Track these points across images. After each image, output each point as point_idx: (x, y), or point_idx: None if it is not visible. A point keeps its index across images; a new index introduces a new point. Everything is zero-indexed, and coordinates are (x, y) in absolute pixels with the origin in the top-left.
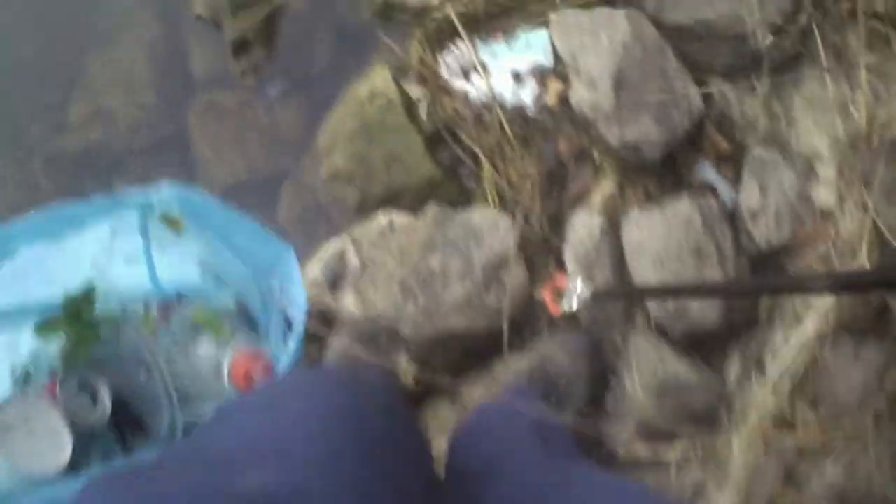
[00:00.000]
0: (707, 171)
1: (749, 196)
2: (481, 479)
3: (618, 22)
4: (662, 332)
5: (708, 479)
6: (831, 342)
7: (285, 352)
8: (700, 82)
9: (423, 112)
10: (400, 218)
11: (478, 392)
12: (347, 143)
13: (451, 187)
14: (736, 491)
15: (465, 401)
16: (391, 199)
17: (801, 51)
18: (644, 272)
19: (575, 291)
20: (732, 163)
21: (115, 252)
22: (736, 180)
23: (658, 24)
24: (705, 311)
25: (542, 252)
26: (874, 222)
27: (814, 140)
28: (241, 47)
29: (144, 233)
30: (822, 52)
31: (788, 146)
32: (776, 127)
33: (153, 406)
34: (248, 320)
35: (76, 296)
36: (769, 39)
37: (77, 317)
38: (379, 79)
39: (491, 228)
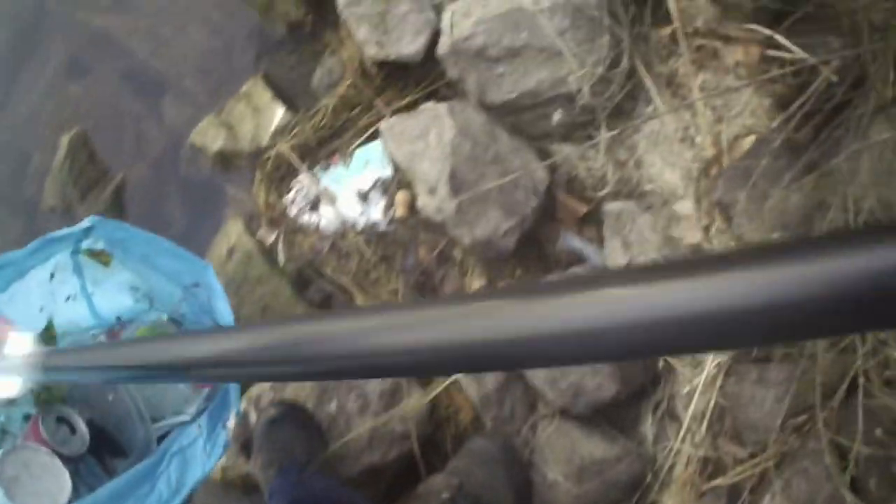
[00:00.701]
0: (569, 241)
1: (613, 253)
2: None
3: (443, 119)
4: (567, 414)
5: None
6: (735, 375)
7: None
8: (541, 151)
9: (281, 256)
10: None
11: None
12: None
13: None
14: None
15: None
16: None
17: (632, 91)
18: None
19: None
20: (595, 223)
21: (56, 294)
22: (601, 240)
23: (484, 106)
24: (603, 385)
25: None
26: (743, 244)
27: (666, 177)
28: None
29: (78, 271)
30: (652, 87)
31: (643, 190)
32: (626, 174)
33: (125, 425)
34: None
35: (38, 336)
36: (596, 90)
37: None
38: (233, 233)
39: None
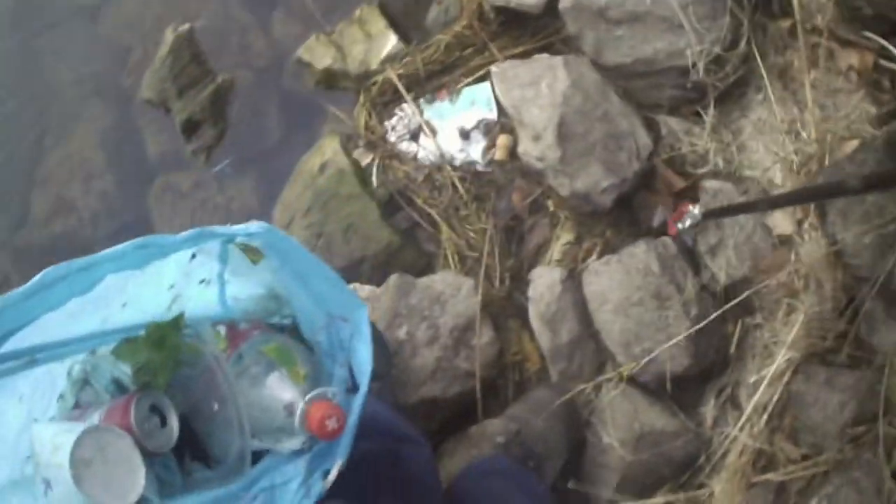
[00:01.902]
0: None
1: (705, 232)
2: None
3: (557, 70)
4: (633, 381)
5: None
6: (803, 373)
7: (351, 410)
8: (646, 120)
9: (374, 179)
10: (364, 290)
11: (456, 461)
12: (304, 216)
13: (411, 252)
14: None
15: (447, 468)
16: (353, 270)
17: (745, 76)
18: (607, 321)
19: (691, 215)
20: (689, 200)
21: (192, 274)
22: None
23: (598, 66)
24: (675, 356)
25: (506, 309)
26: (833, 243)
27: (766, 165)
28: (190, 128)
29: (223, 258)
30: (765, 75)
31: (741, 174)
32: (727, 156)
33: (221, 435)
34: (312, 362)
35: (164, 323)
36: (710, 69)
37: (161, 343)
38: (329, 149)
39: (453, 292)
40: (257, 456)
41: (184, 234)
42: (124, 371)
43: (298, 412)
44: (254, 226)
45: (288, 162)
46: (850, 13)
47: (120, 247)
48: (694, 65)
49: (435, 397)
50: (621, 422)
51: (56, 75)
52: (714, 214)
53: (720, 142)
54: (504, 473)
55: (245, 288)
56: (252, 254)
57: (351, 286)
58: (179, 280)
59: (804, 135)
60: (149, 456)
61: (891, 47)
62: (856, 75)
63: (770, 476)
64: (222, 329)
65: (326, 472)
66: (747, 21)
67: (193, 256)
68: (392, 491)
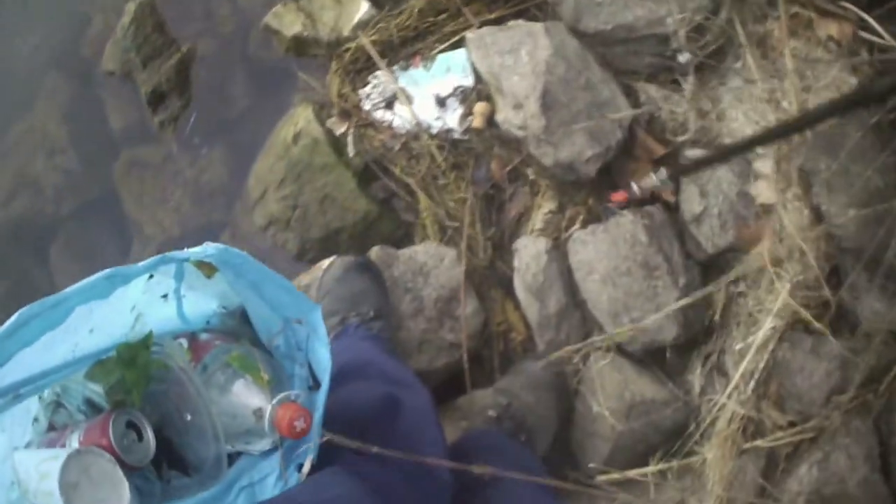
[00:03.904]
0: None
1: (689, 200)
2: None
3: (537, 37)
4: (621, 350)
5: (686, 494)
6: (788, 341)
7: (315, 407)
8: (626, 87)
9: (350, 148)
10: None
11: (447, 433)
12: (278, 188)
13: (389, 222)
14: (716, 502)
15: None
16: (330, 240)
17: (725, 45)
18: (595, 291)
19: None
20: (669, 166)
21: (152, 293)
22: (675, 185)
23: (577, 32)
24: (665, 326)
25: (489, 279)
26: (817, 214)
27: (747, 134)
28: (156, 99)
29: (179, 276)
30: (745, 44)
31: (721, 143)
32: (707, 124)
33: (197, 441)
34: (273, 365)
35: (134, 343)
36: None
37: (132, 362)
38: (301, 119)
39: (436, 263)
40: (231, 458)
41: (145, 262)
42: (95, 391)
43: (267, 416)
44: (210, 248)
45: (258, 132)
46: None
47: (89, 280)
48: (675, 32)
49: (422, 369)
50: (611, 391)
51: (13, 48)
52: (680, 172)
53: (700, 110)
54: (496, 449)
55: (201, 302)
56: (206, 269)
57: (330, 260)
58: (140, 300)
59: (784, 104)
60: (129, 470)
61: (869, 19)
62: (835, 45)
63: (759, 443)
64: (185, 342)
65: (300, 466)
66: None
67: (151, 276)
68: (395, 446)
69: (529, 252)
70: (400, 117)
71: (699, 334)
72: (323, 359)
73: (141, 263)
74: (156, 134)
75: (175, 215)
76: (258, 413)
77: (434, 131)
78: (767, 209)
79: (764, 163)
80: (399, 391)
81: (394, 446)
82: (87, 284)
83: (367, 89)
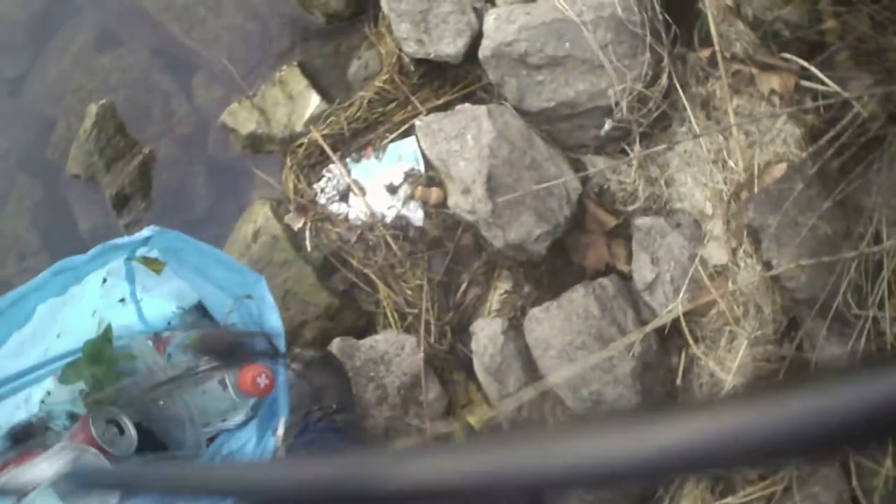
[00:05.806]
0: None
1: (641, 269)
2: None
3: (481, 121)
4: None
5: None
6: None
7: (277, 371)
8: (573, 161)
9: (308, 243)
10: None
11: None
12: None
13: (351, 312)
14: None
15: None
16: (295, 334)
17: (668, 110)
18: (553, 367)
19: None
20: (623, 238)
21: (108, 297)
22: (628, 255)
23: (521, 111)
24: (624, 395)
25: (451, 363)
26: (769, 268)
27: (696, 197)
28: (120, 202)
29: (130, 277)
30: (688, 107)
31: (672, 207)
32: (656, 191)
33: (175, 428)
34: None
35: (95, 338)
36: (633, 106)
37: (98, 357)
38: (260, 216)
39: (397, 351)
40: (211, 441)
41: (89, 252)
42: (75, 404)
43: (231, 382)
44: (146, 230)
45: (220, 231)
46: (771, 36)
47: (40, 276)
48: (617, 104)
49: None
50: None
51: None
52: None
53: (648, 177)
54: None
55: (159, 303)
56: (153, 265)
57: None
58: (99, 305)
59: (731, 163)
60: (117, 461)
61: (811, 67)
62: (778, 99)
63: (730, 500)
64: (150, 342)
65: (275, 430)
66: (667, 55)
67: (104, 281)
68: None
69: (486, 334)
70: (355, 209)
71: (661, 400)
72: (276, 325)
73: (85, 255)
74: (121, 235)
75: None
76: (223, 382)
77: (388, 220)
78: (720, 270)
79: (713, 224)
80: None
81: None
82: (39, 280)
83: (322, 183)
